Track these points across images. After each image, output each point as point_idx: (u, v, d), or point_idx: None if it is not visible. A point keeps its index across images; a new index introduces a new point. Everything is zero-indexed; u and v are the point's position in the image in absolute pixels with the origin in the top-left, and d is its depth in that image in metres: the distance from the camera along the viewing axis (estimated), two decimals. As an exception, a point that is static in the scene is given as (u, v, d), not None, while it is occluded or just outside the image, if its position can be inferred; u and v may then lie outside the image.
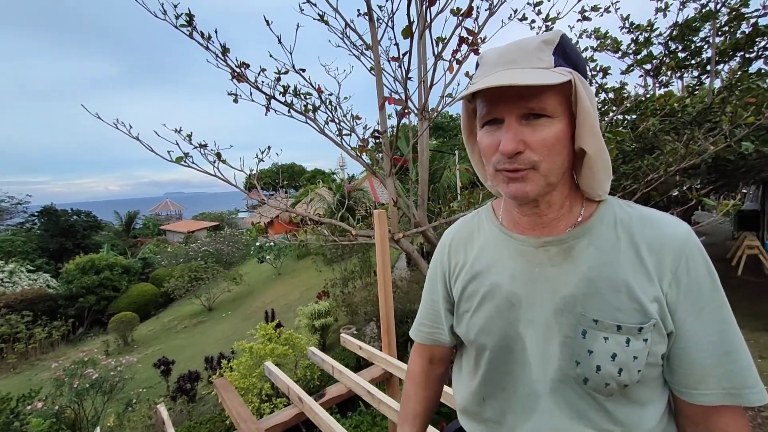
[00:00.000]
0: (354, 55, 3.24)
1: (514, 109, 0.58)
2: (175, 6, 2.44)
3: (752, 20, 4.66)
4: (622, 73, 5.43)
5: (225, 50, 2.73)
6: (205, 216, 33.30)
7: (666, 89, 5.27)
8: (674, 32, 5.01)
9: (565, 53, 0.60)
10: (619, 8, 5.21)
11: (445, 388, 1.02)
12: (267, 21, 2.60)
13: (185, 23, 2.58)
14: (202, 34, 2.67)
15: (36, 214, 22.14)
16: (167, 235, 28.37)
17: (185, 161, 2.77)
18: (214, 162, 2.91)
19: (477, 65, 0.67)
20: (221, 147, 2.93)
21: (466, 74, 2.84)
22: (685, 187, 3.43)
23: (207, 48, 2.72)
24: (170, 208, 42.82)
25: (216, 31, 2.67)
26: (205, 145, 2.89)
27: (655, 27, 5.17)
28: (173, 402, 5.05)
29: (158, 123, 2.70)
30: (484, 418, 0.74)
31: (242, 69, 2.84)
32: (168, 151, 2.69)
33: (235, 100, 3.02)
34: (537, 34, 3.20)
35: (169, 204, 43.60)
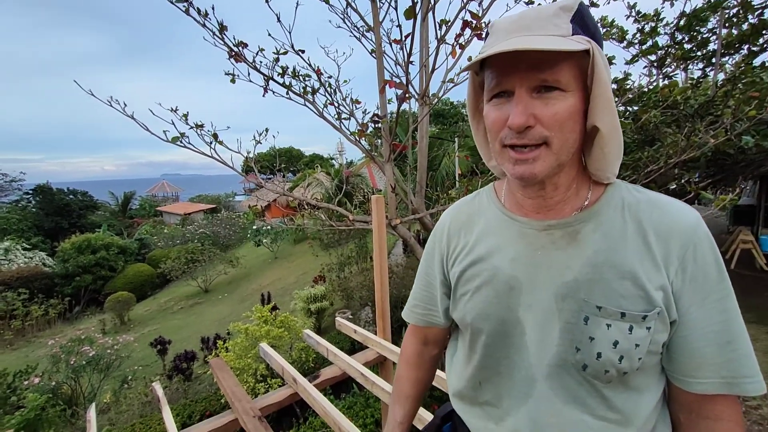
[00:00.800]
0: (355, 36, 3.17)
1: (525, 80, 0.55)
2: (171, -21, 2.36)
3: (758, 11, 4.58)
4: (627, 63, 5.36)
5: (222, 28, 2.66)
6: (202, 198, 33.14)
7: (670, 80, 5.22)
8: (681, 22, 4.93)
9: (584, 21, 0.56)
10: (626, -5, 5.11)
11: (438, 372, 1.02)
12: (266, -2, 2.52)
13: (181, -2, 2.51)
14: (198, 11, 2.60)
15: (30, 192, 21.95)
16: (164, 217, 28.27)
17: (181, 141, 2.74)
18: (211, 143, 2.87)
19: (486, 35, 0.64)
20: (218, 128, 2.89)
21: (469, 59, 2.78)
22: (683, 180, 3.43)
23: (204, 25, 2.65)
24: (167, 189, 42.54)
25: (213, 8, 2.59)
26: (202, 126, 2.85)
27: (662, 16, 5.08)
28: (169, 381, 5.12)
29: (153, 102, 2.65)
30: (480, 402, 0.73)
31: (240, 48, 2.78)
32: (164, 131, 2.65)
33: (233, 80, 2.96)
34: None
35: (165, 185, 43.30)
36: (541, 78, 0.54)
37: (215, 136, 2.88)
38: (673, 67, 4.95)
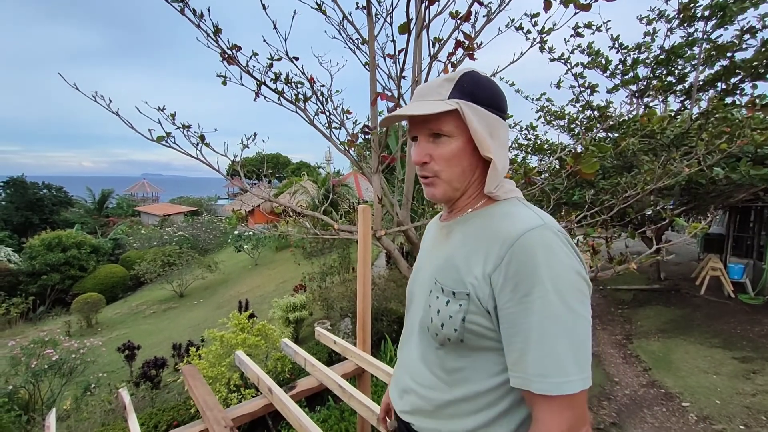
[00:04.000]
0: (349, 48, 3.21)
1: (423, 129, 0.78)
2: (168, -21, 2.35)
3: (729, 53, 4.88)
4: (608, 91, 5.61)
5: (217, 30, 2.65)
6: (184, 200, 32.40)
7: (649, 110, 5.46)
8: (661, 57, 5.21)
9: (463, 87, 0.76)
10: (609, 28, 5.38)
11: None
12: (263, 4, 2.54)
13: (177, -2, 2.49)
14: (194, 11, 2.59)
15: (2, 184, 21.02)
16: (141, 217, 27.46)
17: (167, 141, 2.68)
18: (197, 144, 2.83)
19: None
20: (205, 130, 2.85)
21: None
22: (659, 207, 3.56)
23: (198, 26, 2.63)
24: (147, 189, 41.47)
25: (209, 10, 2.59)
26: (189, 126, 2.80)
27: (643, 50, 5.36)
28: (136, 388, 4.89)
29: (140, 101, 2.60)
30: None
31: (233, 51, 2.77)
32: (149, 130, 2.59)
33: (224, 83, 2.95)
34: (531, 44, 3.26)
35: (146, 185, 42.21)
36: (429, 128, 0.77)
37: (202, 137, 2.84)
38: (652, 97, 5.20)
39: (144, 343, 6.81)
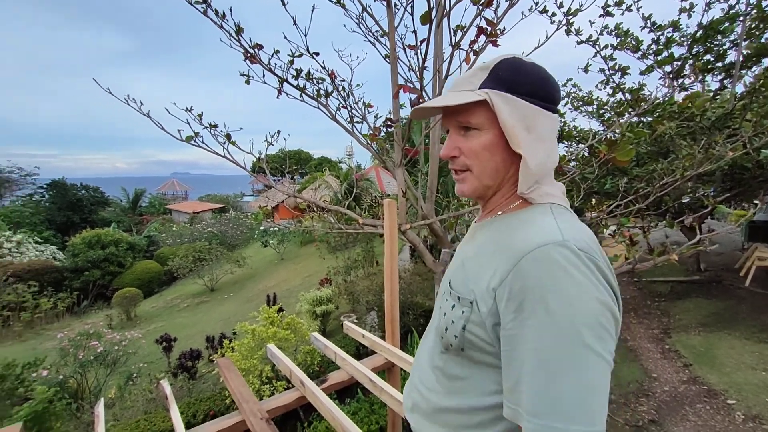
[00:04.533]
0: (369, 41, 3.18)
1: (453, 121, 0.74)
2: (192, -19, 2.40)
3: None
4: (642, 73, 5.31)
5: (239, 29, 2.68)
6: (211, 198, 33.44)
7: (686, 92, 5.15)
8: (699, 34, 4.87)
9: (498, 76, 0.70)
10: (641, 7, 5.07)
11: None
12: (283, 1, 2.55)
13: (200, 0, 2.54)
14: (216, 12, 2.63)
15: (44, 186, 22.35)
16: (172, 215, 28.56)
17: (195, 141, 2.76)
18: (224, 143, 2.90)
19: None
20: (231, 129, 2.91)
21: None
22: (700, 194, 3.36)
23: (221, 27, 2.68)
24: (176, 188, 43.02)
25: (231, 10, 2.62)
26: (216, 126, 2.87)
27: (680, 27, 5.02)
28: (174, 378, 5.13)
29: (167, 102, 2.68)
30: None
31: (255, 50, 2.80)
32: (178, 130, 2.68)
33: (247, 81, 2.99)
34: (556, 27, 3.12)
35: (175, 184, 43.80)
36: (458, 120, 0.73)
37: (228, 136, 2.90)
38: (693, 78, 4.88)
39: (179, 335, 7.12)
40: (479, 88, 0.70)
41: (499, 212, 0.76)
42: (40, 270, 12.69)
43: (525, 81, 0.70)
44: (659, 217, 4.03)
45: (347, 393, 3.68)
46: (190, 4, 2.56)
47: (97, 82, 2.47)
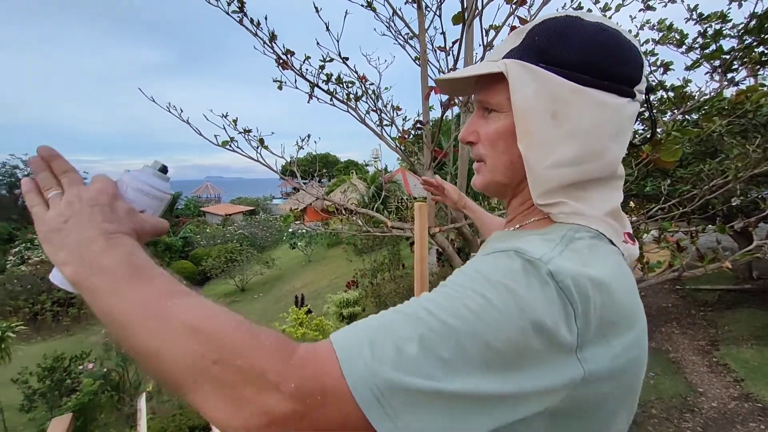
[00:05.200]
0: (399, 44, 3.19)
1: (477, 100, 0.60)
2: (228, -8, 2.49)
3: None
4: (687, 68, 4.99)
5: (273, 37, 2.76)
6: (242, 201, 34.57)
7: (736, 88, 4.81)
8: (751, 24, 4.54)
9: (531, 42, 0.53)
10: (685, -1, 4.79)
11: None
12: (316, 8, 2.60)
13: (237, 9, 2.63)
14: (251, 21, 2.72)
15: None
16: (206, 217, 29.74)
17: (230, 145, 2.86)
18: (257, 148, 2.98)
19: None
20: (263, 134, 2.99)
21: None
22: (756, 196, 3.12)
23: (255, 35, 2.76)
24: (210, 191, 44.75)
25: (266, 18, 2.70)
26: (249, 131, 2.96)
27: (728, 18, 4.70)
28: (207, 375, 5.32)
29: (203, 109, 2.80)
30: None
31: (288, 56, 2.87)
32: (215, 136, 2.78)
33: (280, 87, 3.06)
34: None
35: (209, 187, 45.57)
36: (479, 99, 0.59)
37: (261, 141, 2.99)
38: (744, 72, 4.57)
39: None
40: (504, 57, 0.54)
41: (518, 225, 0.60)
42: (87, 268, 13.53)
43: (569, 47, 0.51)
44: (706, 221, 3.78)
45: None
46: (227, 14, 2.65)
47: (142, 91, 2.60)
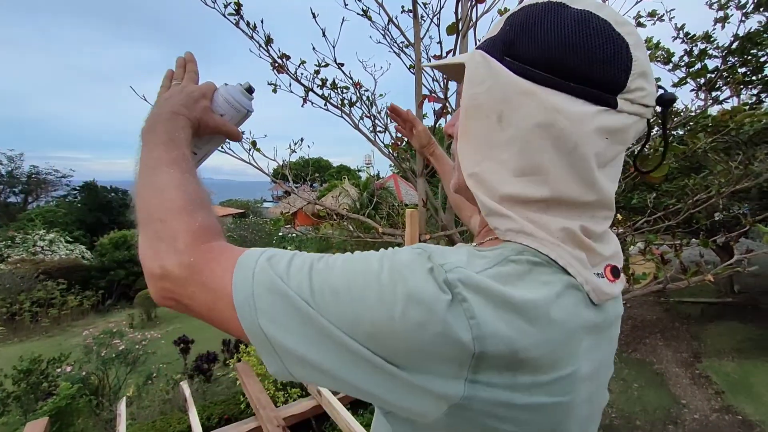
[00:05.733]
0: (394, 52, 3.22)
1: (457, 91, 0.59)
2: (225, -6, 2.49)
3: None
4: (674, 86, 5.14)
5: (269, 40, 2.76)
6: (232, 203, 34.24)
7: (720, 106, 4.95)
8: (734, 45, 4.71)
9: (504, 31, 0.46)
10: (673, 17, 4.94)
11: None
12: (313, 14, 2.61)
13: (233, 12, 2.63)
14: (247, 24, 2.72)
15: (78, 188, 23.42)
16: (195, 219, 29.29)
17: (222, 147, 2.84)
18: (249, 150, 2.97)
19: None
20: (256, 136, 2.98)
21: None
22: (737, 211, 3.21)
23: (251, 37, 2.77)
24: (200, 192, 44.16)
25: (262, 21, 2.71)
26: (242, 133, 2.95)
27: (713, 39, 4.87)
28: (190, 380, 5.20)
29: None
30: None
31: (283, 60, 2.88)
32: (207, 136, 2.76)
33: (275, 90, 3.06)
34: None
35: (199, 188, 44.96)
36: (458, 91, 0.59)
37: (254, 143, 2.97)
38: (728, 91, 4.72)
39: (197, 337, 7.23)
40: (478, 47, 0.49)
41: (477, 242, 0.53)
42: (70, 268, 13.20)
43: (535, 39, 0.43)
44: (690, 235, 3.87)
45: (360, 404, 3.64)
46: (224, 16, 2.65)
47: (134, 89, 2.56)
